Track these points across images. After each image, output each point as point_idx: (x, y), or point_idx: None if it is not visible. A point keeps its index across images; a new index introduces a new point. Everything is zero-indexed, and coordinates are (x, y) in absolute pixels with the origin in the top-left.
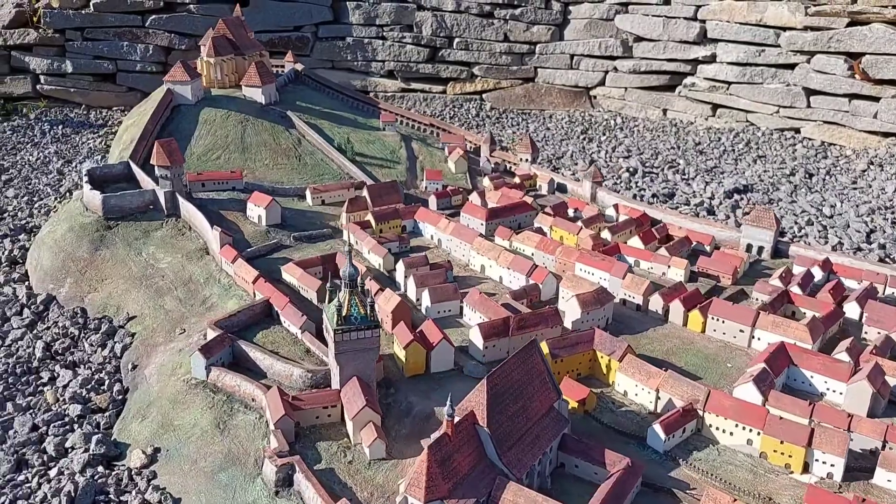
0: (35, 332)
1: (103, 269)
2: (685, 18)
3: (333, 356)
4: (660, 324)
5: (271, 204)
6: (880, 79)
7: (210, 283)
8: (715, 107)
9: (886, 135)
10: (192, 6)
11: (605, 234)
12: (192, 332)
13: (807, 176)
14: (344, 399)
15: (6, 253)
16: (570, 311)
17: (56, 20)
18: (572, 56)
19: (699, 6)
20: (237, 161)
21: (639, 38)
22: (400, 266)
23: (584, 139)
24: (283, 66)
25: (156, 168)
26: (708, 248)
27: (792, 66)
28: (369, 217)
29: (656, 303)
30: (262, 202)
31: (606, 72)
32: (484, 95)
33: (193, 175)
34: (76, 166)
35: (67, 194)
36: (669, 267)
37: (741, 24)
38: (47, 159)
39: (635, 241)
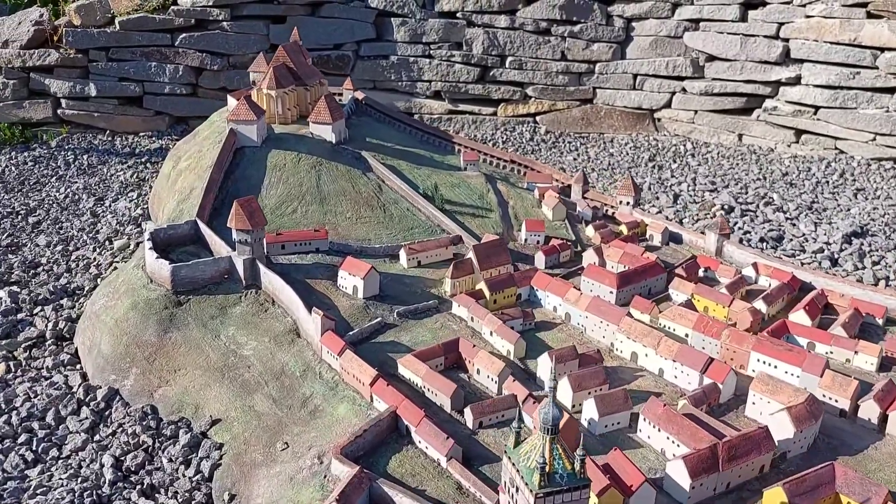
0: (98, 438)
1: (175, 357)
2: (766, 37)
3: None
4: (876, 437)
5: (370, 273)
6: None
7: (309, 378)
8: (799, 133)
9: None
10: (225, 23)
11: (759, 305)
12: (297, 446)
13: None
14: None
15: (50, 325)
16: (779, 428)
17: (78, 39)
18: (635, 76)
19: (782, 23)
20: (316, 215)
21: (711, 58)
22: (544, 360)
23: (652, 166)
24: (340, 94)
25: (234, 232)
26: (880, 322)
27: (892, 91)
28: (481, 286)
29: (869, 409)
30: (360, 271)
31: (673, 93)
32: (538, 118)
33: (272, 236)
34: (110, 206)
35: (107, 243)
36: (857, 353)
37: (832, 43)
38: (76, 196)
39: (801, 317)
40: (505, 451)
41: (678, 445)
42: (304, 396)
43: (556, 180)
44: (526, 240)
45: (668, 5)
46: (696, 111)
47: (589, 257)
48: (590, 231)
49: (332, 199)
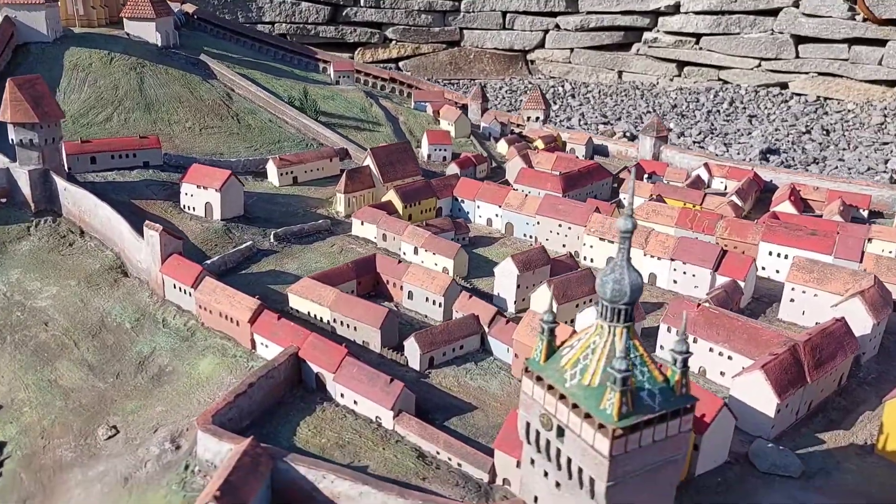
0: None
1: None
2: None
3: (589, 488)
4: None
5: (229, 183)
6: (888, 18)
7: (147, 329)
8: (681, 65)
9: (893, 83)
10: None
11: (736, 201)
12: (132, 429)
13: (824, 132)
14: None
15: None
16: (856, 321)
17: None
18: (505, 14)
19: None
20: (141, 124)
21: None
22: (506, 268)
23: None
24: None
25: (10, 129)
26: (864, 213)
27: (775, 12)
28: (390, 197)
29: None
30: (214, 181)
31: (546, 31)
32: (401, 63)
33: (75, 144)
34: None
35: None
36: (870, 240)
37: None
38: None
39: (787, 209)
40: (526, 370)
41: (730, 358)
42: (141, 356)
43: (449, 99)
44: (429, 155)
45: None
46: (572, 49)
47: (514, 166)
48: (502, 146)
49: (162, 106)
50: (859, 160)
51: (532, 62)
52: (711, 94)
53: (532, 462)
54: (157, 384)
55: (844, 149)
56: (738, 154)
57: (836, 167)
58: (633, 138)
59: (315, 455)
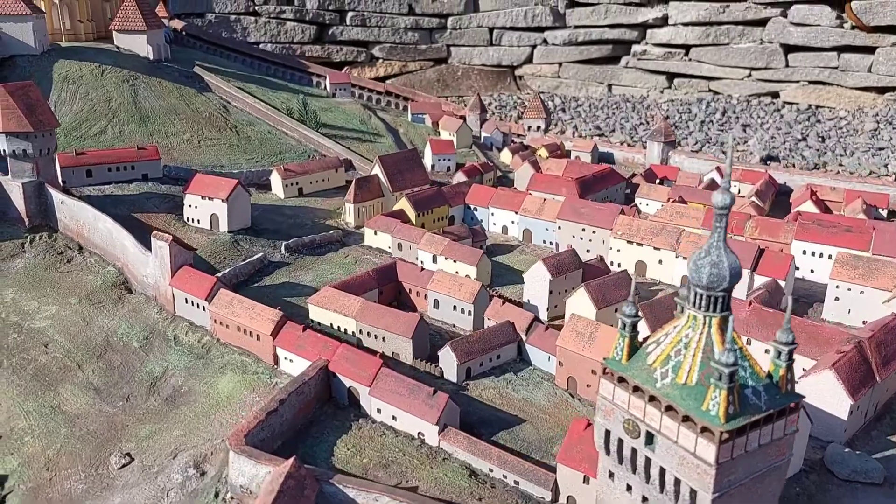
0: None
1: None
2: None
3: (689, 501)
4: None
5: (236, 193)
6: (876, 25)
7: (157, 347)
8: (671, 76)
9: (883, 90)
10: None
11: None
12: (148, 456)
13: (819, 139)
14: None
15: None
16: None
17: None
18: (492, 30)
19: None
20: (137, 135)
21: (573, 3)
22: (535, 273)
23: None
24: None
25: (2, 139)
26: (884, 213)
27: (764, 22)
28: (402, 206)
29: None
30: (219, 191)
31: (534, 46)
32: (388, 81)
33: (70, 157)
34: None
35: None
36: None
37: None
38: None
39: (809, 208)
40: (604, 371)
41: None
42: (152, 376)
43: (446, 111)
44: (434, 165)
45: None
46: (560, 63)
47: (524, 174)
48: (506, 156)
49: (158, 118)
50: (860, 164)
51: (520, 77)
52: (703, 105)
53: (611, 475)
54: (173, 406)
55: (842, 154)
56: (739, 161)
57: (838, 172)
58: (630, 147)
59: (358, 476)
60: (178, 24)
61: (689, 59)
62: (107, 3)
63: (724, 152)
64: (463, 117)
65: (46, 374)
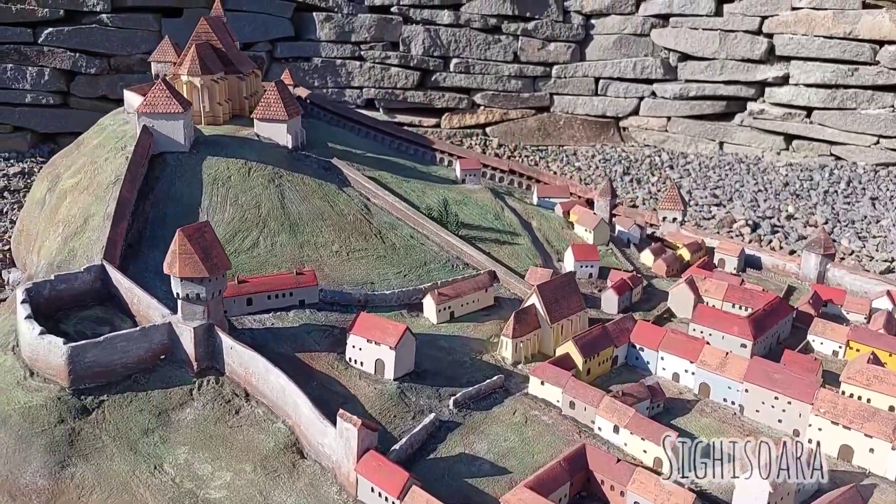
0: None
1: None
2: (747, 32)
3: None
4: None
5: (405, 339)
6: None
7: None
8: (789, 138)
9: None
10: (104, 16)
11: None
12: None
13: None
14: None
15: None
16: None
17: None
18: (597, 80)
19: (765, 17)
20: (288, 249)
21: (685, 57)
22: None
23: (629, 180)
24: None
25: (177, 283)
26: None
27: (895, 87)
28: (568, 349)
29: None
30: (386, 336)
31: (641, 98)
32: (488, 129)
33: (233, 286)
34: None
35: None
36: None
37: (825, 37)
38: None
39: None
40: None
41: None
42: None
43: (573, 193)
44: (575, 272)
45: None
46: (668, 118)
47: (683, 299)
48: (646, 257)
49: (306, 225)
50: None
51: (624, 129)
52: (826, 173)
53: None
54: None
55: None
56: (878, 250)
57: None
58: (754, 227)
59: None
60: (303, 91)
61: (811, 122)
62: (242, 81)
63: (861, 237)
64: (590, 201)
65: None
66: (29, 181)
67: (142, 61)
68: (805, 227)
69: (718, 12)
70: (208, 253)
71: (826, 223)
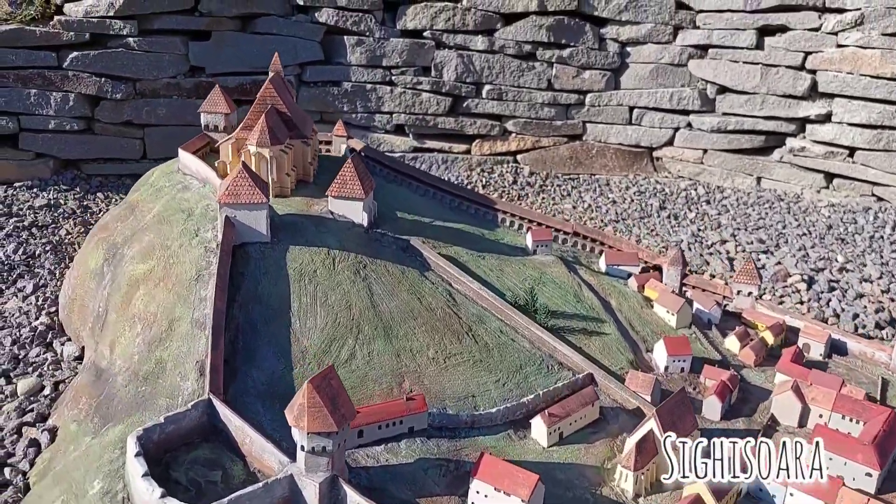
0: None
1: None
2: (789, 67)
3: None
4: None
5: (536, 493)
6: None
7: None
8: (829, 176)
9: None
10: (130, 39)
11: None
12: None
13: None
14: None
15: None
16: None
17: None
18: (632, 109)
19: (809, 53)
20: (385, 358)
21: (723, 90)
22: None
23: (666, 216)
24: (327, 144)
25: (301, 435)
26: None
27: None
28: (701, 492)
29: None
30: (517, 487)
31: (677, 129)
32: (519, 157)
33: None
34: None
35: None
36: None
37: (872, 77)
38: None
39: None
40: None
41: None
42: None
43: (641, 259)
44: (667, 367)
45: (670, 28)
46: (705, 150)
47: (790, 408)
48: (731, 343)
49: (399, 327)
50: None
51: (658, 159)
52: (871, 216)
53: None
54: None
55: None
56: None
57: None
58: (810, 283)
59: None
60: (357, 144)
61: (854, 162)
62: (307, 147)
63: None
64: (658, 267)
65: None
66: (56, 214)
67: (168, 85)
68: (860, 283)
69: (759, 45)
70: (336, 404)
71: (881, 277)
